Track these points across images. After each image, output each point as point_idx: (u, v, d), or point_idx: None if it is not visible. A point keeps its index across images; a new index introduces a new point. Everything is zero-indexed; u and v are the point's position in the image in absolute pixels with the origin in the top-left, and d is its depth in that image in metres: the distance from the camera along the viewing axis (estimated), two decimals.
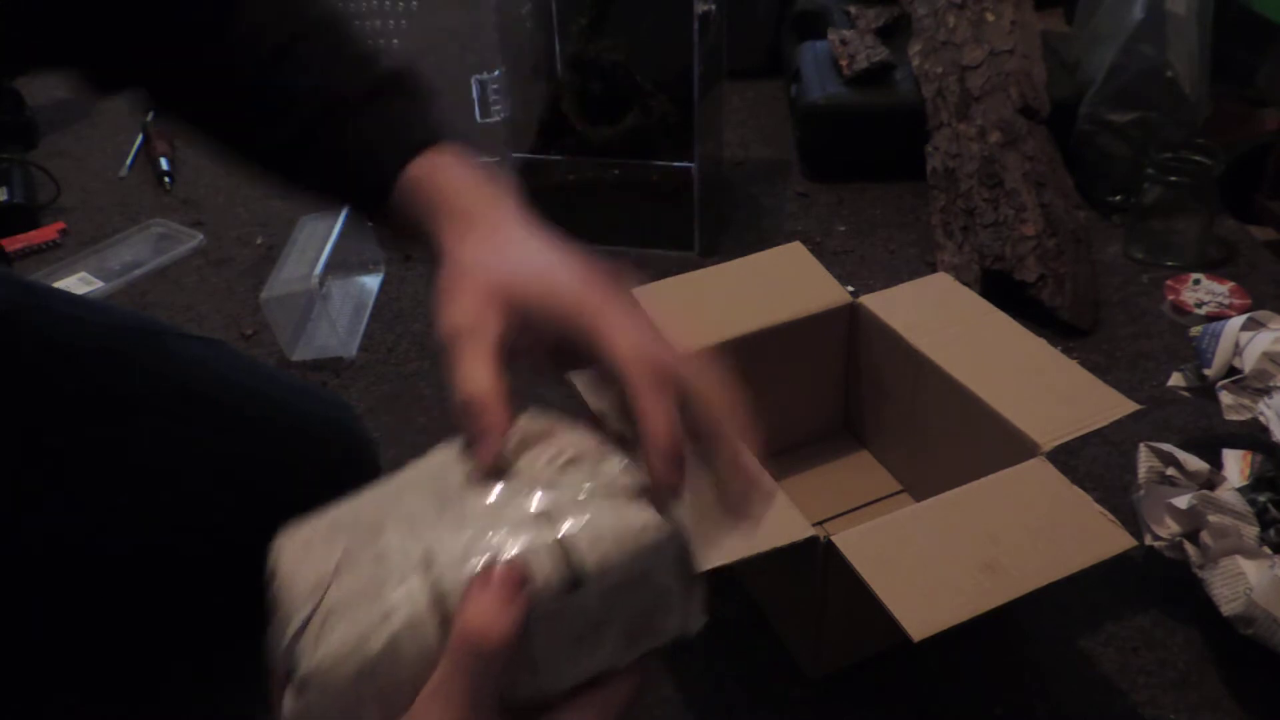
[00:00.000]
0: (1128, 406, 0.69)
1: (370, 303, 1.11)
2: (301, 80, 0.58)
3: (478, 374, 0.46)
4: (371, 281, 1.14)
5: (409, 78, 0.58)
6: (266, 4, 0.60)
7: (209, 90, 0.59)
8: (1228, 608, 0.65)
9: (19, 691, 0.69)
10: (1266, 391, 0.76)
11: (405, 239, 0.56)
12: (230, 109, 0.59)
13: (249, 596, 0.74)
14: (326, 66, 0.59)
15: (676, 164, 1.14)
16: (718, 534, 0.52)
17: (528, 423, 0.46)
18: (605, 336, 0.45)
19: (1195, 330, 0.84)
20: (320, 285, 1.00)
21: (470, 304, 0.47)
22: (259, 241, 1.23)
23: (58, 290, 0.75)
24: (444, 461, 0.45)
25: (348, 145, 0.57)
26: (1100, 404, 0.70)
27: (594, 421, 0.46)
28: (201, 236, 1.23)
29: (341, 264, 1.12)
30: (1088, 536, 0.60)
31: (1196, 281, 1.07)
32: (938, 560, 0.58)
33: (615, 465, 0.43)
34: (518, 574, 0.38)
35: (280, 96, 0.58)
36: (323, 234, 1.06)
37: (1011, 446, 0.68)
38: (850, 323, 0.82)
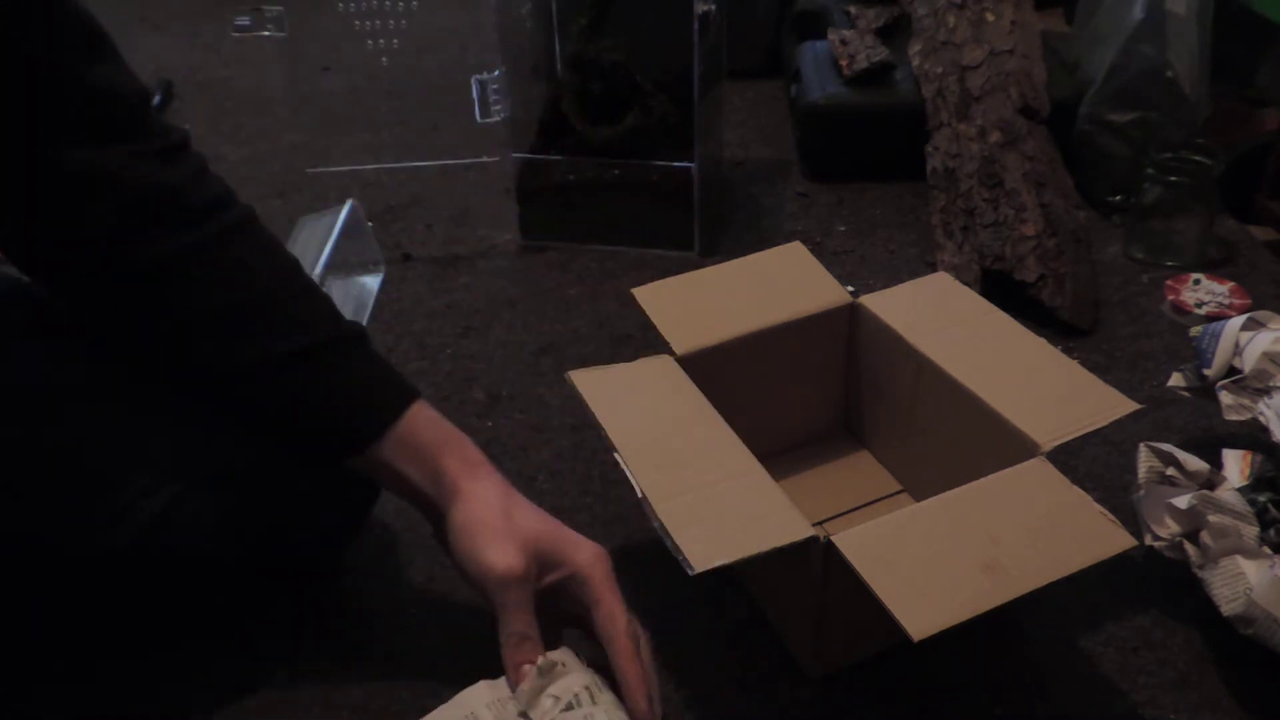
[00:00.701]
0: (1128, 406, 0.69)
1: (370, 303, 1.11)
2: (285, 328, 0.64)
3: (526, 618, 0.61)
4: (371, 281, 1.14)
5: (364, 338, 0.67)
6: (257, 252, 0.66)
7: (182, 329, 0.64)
8: (1228, 608, 0.65)
9: (16, 687, 0.69)
10: (1266, 391, 0.76)
11: (381, 481, 0.67)
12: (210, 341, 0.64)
13: (248, 592, 0.75)
14: (305, 316, 0.65)
15: (676, 164, 1.14)
16: (718, 533, 0.58)
17: (544, 665, 0.60)
18: (602, 601, 0.60)
19: (1195, 330, 0.84)
20: (320, 285, 0.99)
21: (514, 550, 0.60)
22: None
23: None
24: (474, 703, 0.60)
25: (340, 389, 0.64)
26: (1100, 404, 0.70)
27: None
28: None
29: (341, 264, 1.12)
30: (1088, 536, 0.60)
31: (1196, 281, 1.07)
32: (938, 560, 0.58)
33: (603, 712, 0.58)
34: None
35: (273, 336, 0.64)
36: (323, 234, 1.06)
37: (1011, 446, 0.68)
38: (850, 323, 0.82)
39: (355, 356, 0.66)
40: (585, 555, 0.61)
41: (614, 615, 0.60)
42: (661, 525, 0.61)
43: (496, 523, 0.61)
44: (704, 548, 0.59)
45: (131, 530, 0.64)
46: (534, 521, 0.62)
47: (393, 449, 0.64)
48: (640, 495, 0.63)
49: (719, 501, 0.63)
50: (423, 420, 0.65)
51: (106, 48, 0.62)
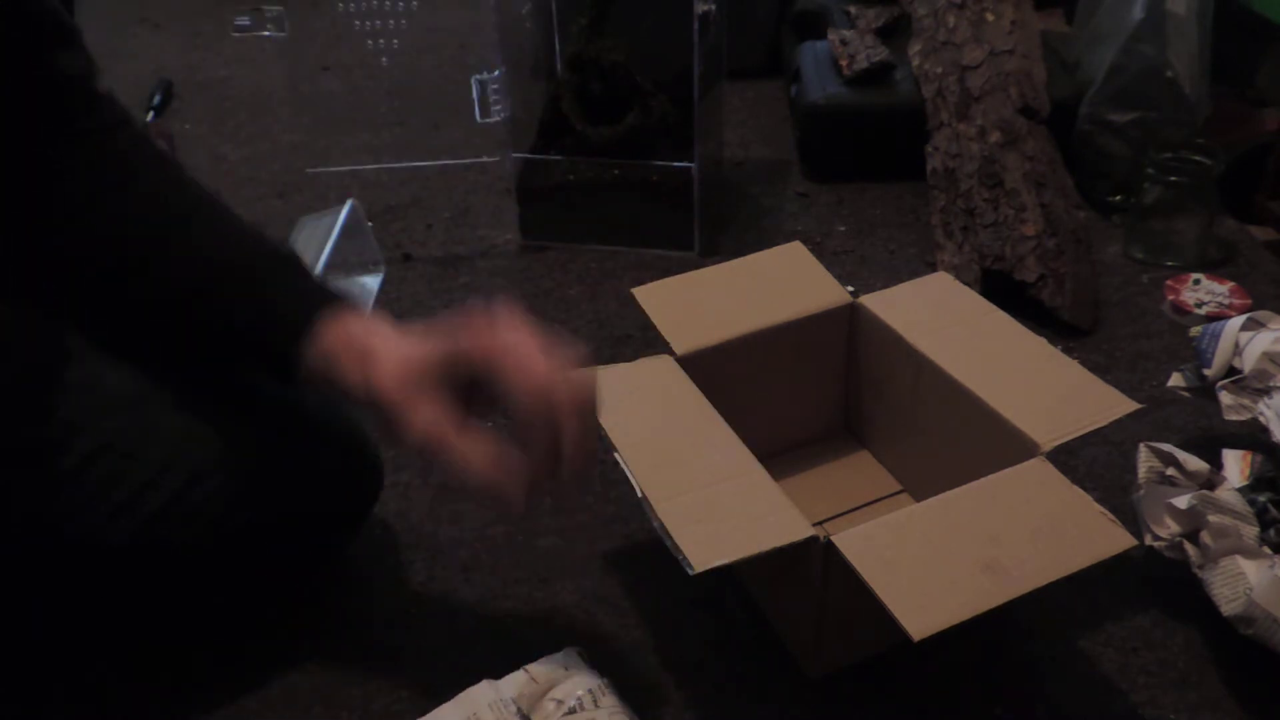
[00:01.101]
0: (1128, 406, 0.69)
1: (370, 303, 1.11)
2: (205, 250, 0.64)
3: (428, 414, 0.57)
4: (371, 281, 1.14)
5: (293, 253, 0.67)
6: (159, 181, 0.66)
7: (102, 266, 0.63)
8: (1228, 608, 0.65)
9: (17, 686, 0.69)
10: (1266, 391, 0.76)
11: (318, 382, 0.63)
12: (126, 278, 0.63)
13: (247, 588, 0.75)
14: (232, 237, 0.65)
15: (676, 164, 1.14)
16: (719, 534, 0.58)
17: (546, 667, 0.61)
18: (506, 376, 0.56)
19: (1195, 330, 0.84)
20: None
21: (394, 372, 0.58)
22: None
23: None
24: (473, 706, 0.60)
25: (267, 303, 0.63)
26: (1100, 403, 0.70)
27: None
28: None
29: (341, 264, 1.12)
30: (1088, 536, 0.60)
31: (1196, 281, 1.07)
32: (938, 560, 0.58)
33: (605, 715, 0.59)
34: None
35: (192, 260, 0.63)
36: (323, 234, 1.06)
37: (1011, 446, 0.68)
38: (850, 322, 0.82)
39: (278, 275, 0.65)
40: (522, 385, 0.56)
41: (525, 379, 0.56)
42: (661, 525, 0.61)
43: (368, 358, 0.59)
44: (704, 548, 0.59)
45: (131, 526, 0.65)
46: (433, 338, 0.60)
47: (321, 361, 0.61)
48: (640, 495, 0.63)
49: (719, 501, 0.63)
50: (344, 325, 0.62)
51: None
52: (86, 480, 0.64)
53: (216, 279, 0.63)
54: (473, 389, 0.59)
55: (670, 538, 0.60)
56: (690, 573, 0.58)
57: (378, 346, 0.60)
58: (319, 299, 0.63)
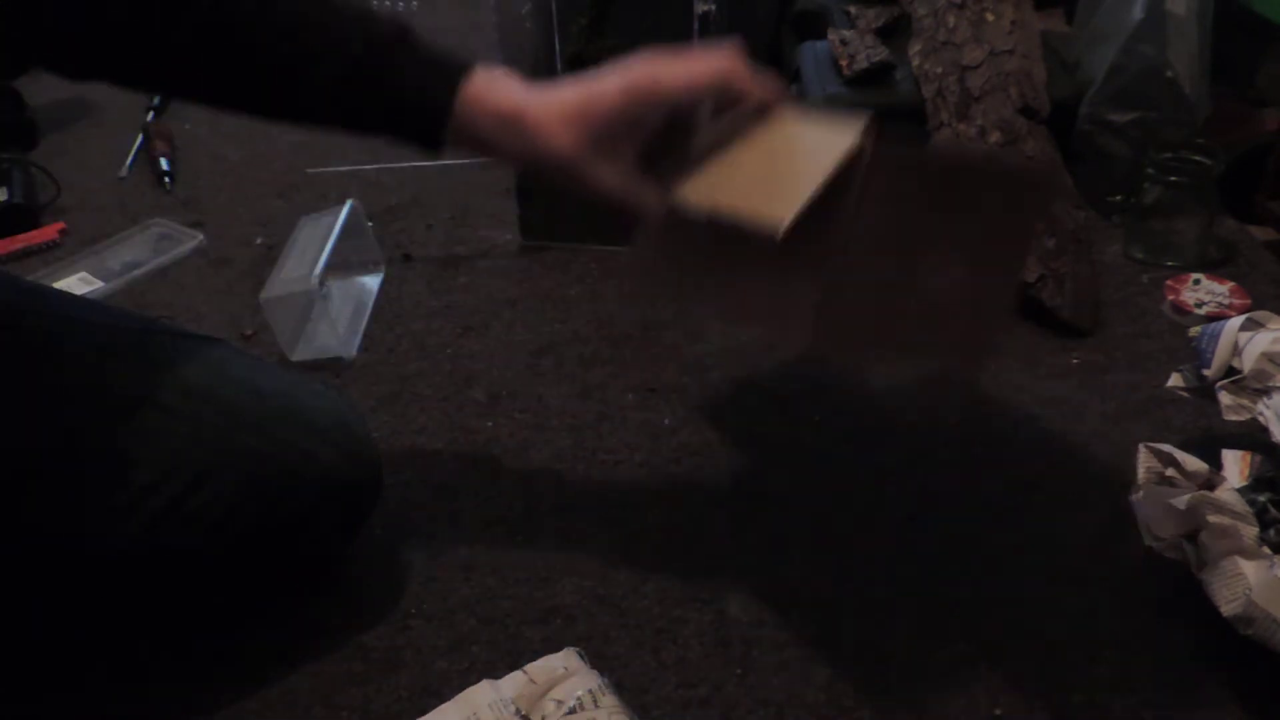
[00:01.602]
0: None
1: (370, 303, 1.11)
2: (328, 32, 0.61)
3: (615, 171, 0.60)
4: (371, 281, 1.14)
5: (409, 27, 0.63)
6: None
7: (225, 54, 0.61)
8: (1227, 608, 0.65)
9: (16, 687, 0.70)
10: (1266, 392, 0.76)
11: (468, 149, 0.63)
12: (254, 68, 0.61)
13: (248, 592, 0.75)
14: (346, 19, 0.62)
15: None
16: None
17: (546, 667, 0.61)
18: (675, 86, 0.59)
19: (1195, 330, 0.84)
20: (320, 285, 1.00)
21: (563, 131, 0.59)
22: (259, 241, 1.23)
23: (56, 291, 0.75)
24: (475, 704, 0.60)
25: (395, 82, 0.61)
26: None
27: None
28: (201, 236, 1.23)
29: (341, 264, 1.12)
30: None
31: (1196, 281, 1.07)
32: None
33: (605, 714, 0.58)
34: None
35: (313, 45, 0.61)
36: (323, 234, 1.06)
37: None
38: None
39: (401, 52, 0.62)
40: (698, 78, 0.61)
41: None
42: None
43: (539, 119, 0.60)
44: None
45: (132, 530, 0.65)
46: (594, 85, 0.60)
47: (465, 135, 0.62)
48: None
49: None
50: (478, 88, 0.61)
51: None
52: (86, 486, 0.64)
53: (325, 54, 0.61)
54: (652, 132, 0.60)
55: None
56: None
57: (530, 106, 0.59)
58: (444, 71, 0.61)
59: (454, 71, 0.61)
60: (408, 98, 0.62)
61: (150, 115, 1.50)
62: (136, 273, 1.17)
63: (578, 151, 0.59)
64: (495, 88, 0.61)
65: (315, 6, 0.62)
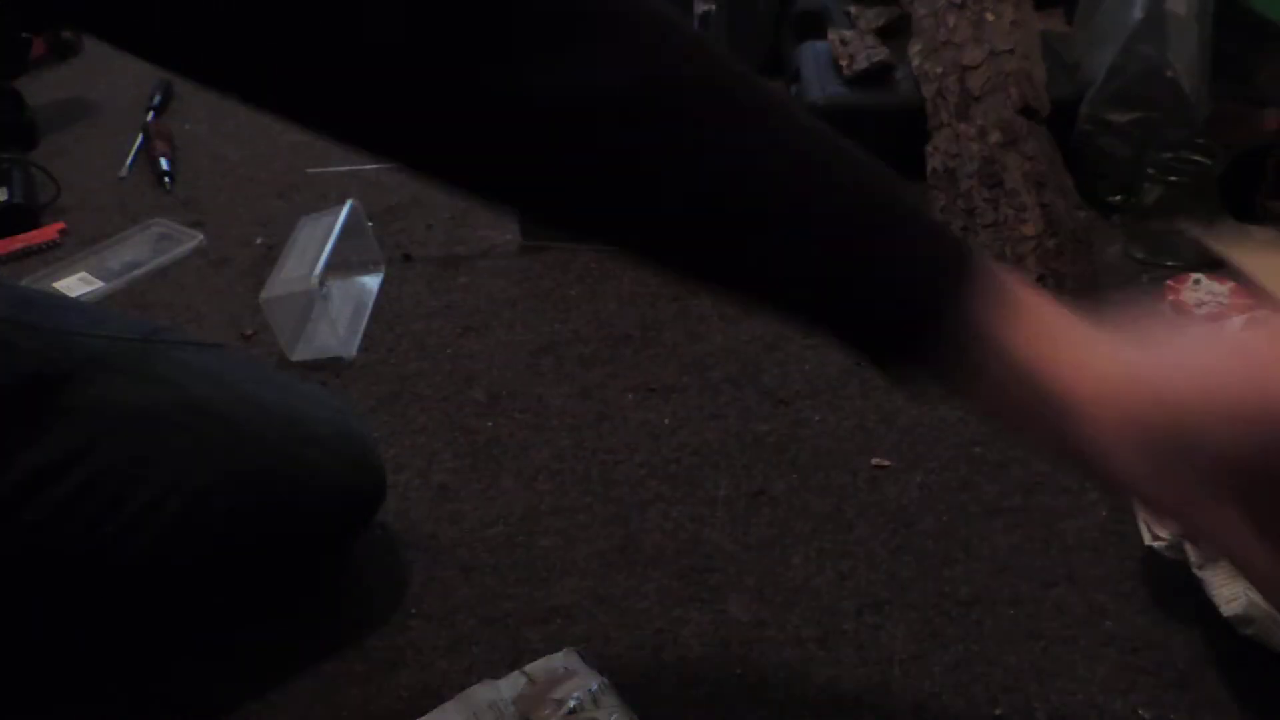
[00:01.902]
0: None
1: (370, 303, 1.11)
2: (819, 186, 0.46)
3: (1225, 530, 0.38)
4: (371, 281, 1.14)
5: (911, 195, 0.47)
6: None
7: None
8: (1227, 608, 0.65)
9: (17, 691, 0.69)
10: None
11: (959, 390, 0.46)
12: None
13: (249, 593, 0.75)
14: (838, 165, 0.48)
15: None
16: None
17: (546, 667, 0.60)
18: None
19: None
20: (320, 285, 1.00)
21: (1145, 464, 0.39)
22: (259, 241, 1.23)
23: (55, 299, 0.75)
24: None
25: (870, 266, 0.44)
26: None
27: None
28: (201, 236, 1.23)
29: (341, 264, 1.12)
30: None
31: (1196, 281, 1.07)
32: None
33: (606, 715, 0.57)
34: None
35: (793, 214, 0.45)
36: (323, 234, 1.06)
37: None
38: None
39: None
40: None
41: None
42: None
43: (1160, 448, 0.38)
44: None
45: (135, 546, 0.64)
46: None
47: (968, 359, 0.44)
48: None
49: None
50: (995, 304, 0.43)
51: None
52: (89, 503, 0.64)
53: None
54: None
55: None
56: None
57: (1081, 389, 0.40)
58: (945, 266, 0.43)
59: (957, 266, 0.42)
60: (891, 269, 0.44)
61: (150, 115, 1.50)
62: (136, 273, 1.17)
63: (1152, 485, 0.39)
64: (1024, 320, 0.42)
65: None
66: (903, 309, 0.43)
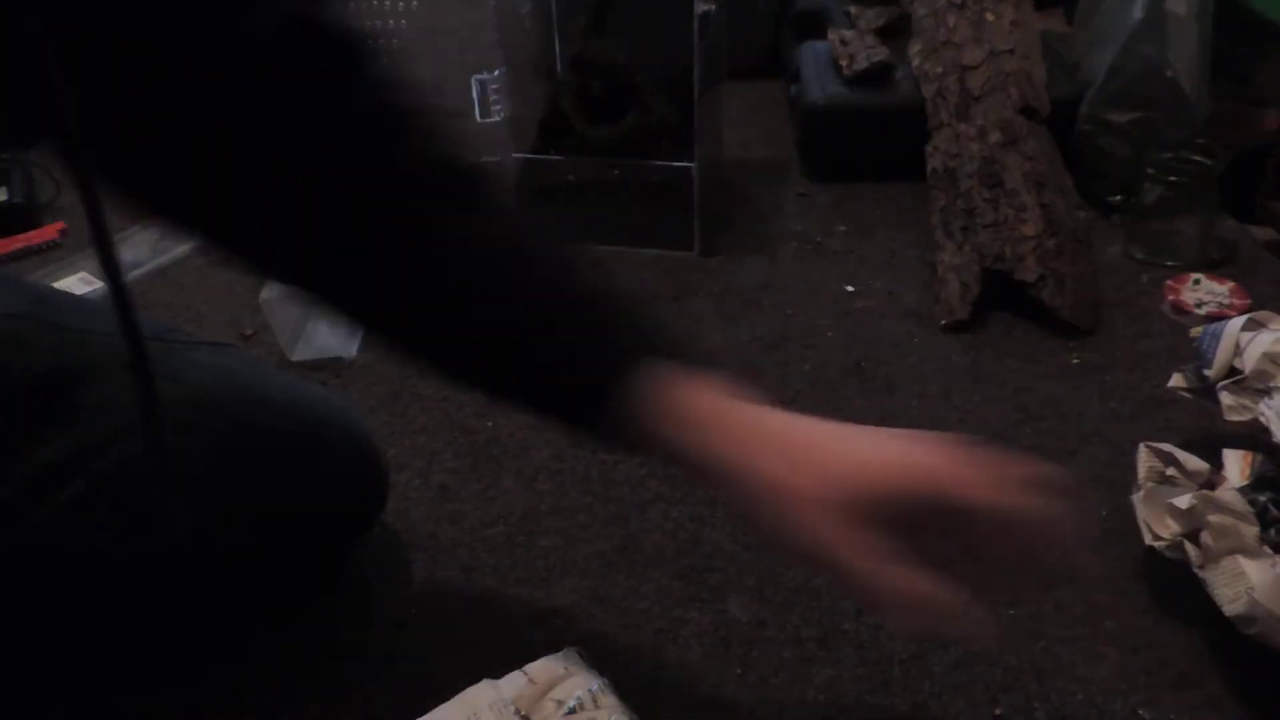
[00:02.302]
0: None
1: None
2: (512, 287, 0.55)
3: (902, 578, 0.49)
4: None
5: (614, 284, 0.56)
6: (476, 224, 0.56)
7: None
8: (1230, 608, 0.64)
9: (16, 690, 0.69)
10: (1267, 392, 0.76)
11: (637, 450, 0.55)
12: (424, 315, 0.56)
13: (250, 593, 0.75)
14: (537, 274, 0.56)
15: (676, 164, 1.14)
16: None
17: (546, 667, 0.60)
18: (964, 501, 0.50)
19: (1195, 331, 0.84)
20: None
21: (835, 531, 0.49)
22: None
23: (61, 297, 0.75)
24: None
25: (564, 349, 0.54)
26: None
27: None
28: None
29: None
30: None
31: (1196, 281, 1.07)
32: None
33: (605, 715, 0.57)
34: None
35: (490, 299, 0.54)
36: None
37: None
38: None
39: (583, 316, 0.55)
40: (919, 473, 0.50)
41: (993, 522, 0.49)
42: None
43: (801, 507, 0.50)
44: None
45: (138, 546, 0.64)
46: (865, 468, 0.50)
47: (640, 427, 0.53)
48: None
49: None
50: (665, 381, 0.53)
51: None
52: (95, 504, 0.64)
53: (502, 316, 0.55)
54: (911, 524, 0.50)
55: None
56: None
57: (765, 461, 0.51)
58: (631, 345, 0.53)
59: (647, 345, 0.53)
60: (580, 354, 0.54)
61: None
62: (137, 273, 1.17)
63: (812, 535, 0.49)
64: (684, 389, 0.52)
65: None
66: (572, 397, 0.54)
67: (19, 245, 1.22)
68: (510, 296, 0.55)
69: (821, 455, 0.51)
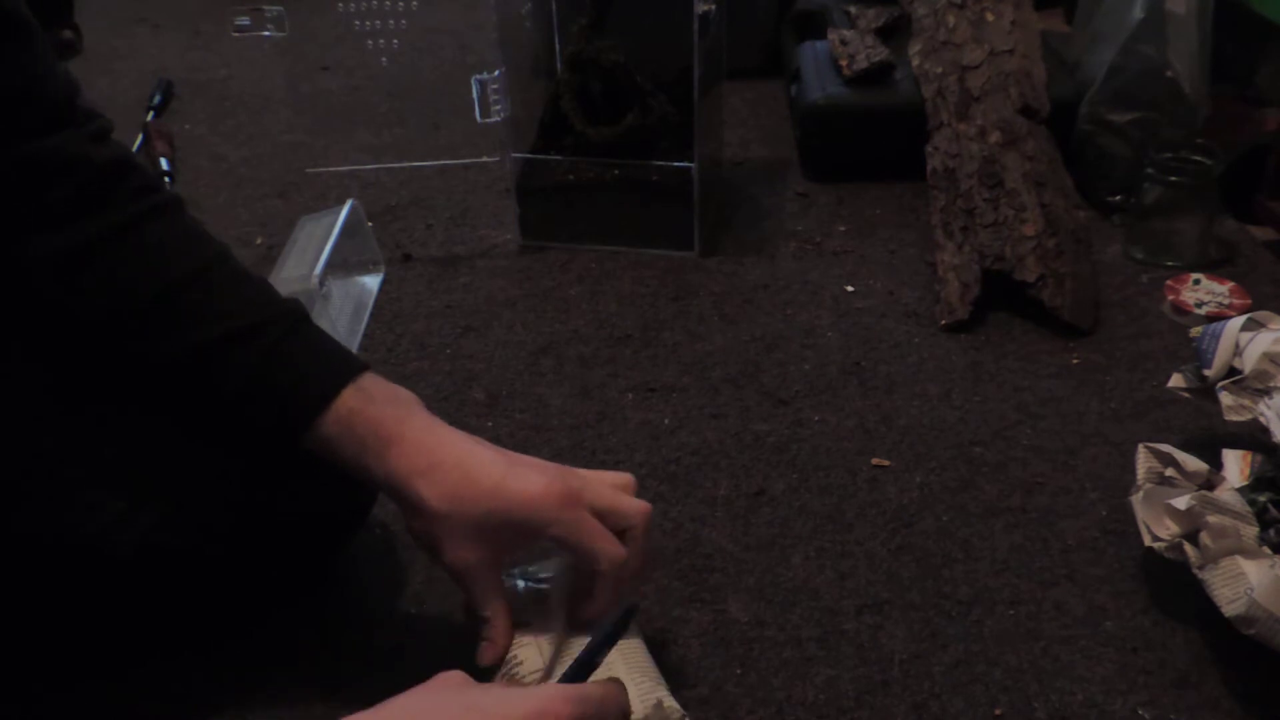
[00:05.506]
0: None
1: (370, 303, 1.11)
2: (207, 309, 0.62)
3: (489, 598, 0.62)
4: (371, 281, 1.14)
5: (302, 313, 0.65)
6: (168, 236, 0.64)
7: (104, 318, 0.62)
8: (1229, 608, 0.64)
9: (16, 689, 0.69)
10: (1267, 392, 0.76)
11: (330, 462, 0.63)
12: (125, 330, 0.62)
13: (247, 594, 0.75)
14: (227, 304, 0.63)
15: (676, 164, 1.14)
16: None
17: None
18: (576, 548, 0.60)
19: (1195, 330, 0.84)
20: (320, 285, 0.99)
21: (462, 548, 0.60)
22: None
23: None
24: None
25: (273, 368, 0.61)
26: None
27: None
28: None
29: (341, 264, 1.12)
30: None
31: (1196, 281, 1.07)
32: None
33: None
34: None
35: (184, 321, 0.62)
36: (323, 234, 1.06)
37: None
38: None
39: (285, 340, 0.63)
40: (598, 558, 0.61)
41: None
42: None
43: (437, 524, 0.62)
44: None
45: (133, 536, 0.64)
46: (498, 503, 0.61)
47: (329, 433, 0.61)
48: None
49: None
50: (358, 401, 0.62)
51: (32, 38, 0.61)
52: (86, 496, 0.64)
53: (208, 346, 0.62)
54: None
55: None
56: None
57: (421, 466, 0.60)
58: (321, 370, 0.62)
59: (339, 372, 0.63)
60: (281, 377, 0.62)
61: (150, 115, 1.50)
62: None
63: (436, 528, 0.61)
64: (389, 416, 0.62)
65: (221, 270, 0.64)
66: (292, 406, 0.62)
67: None
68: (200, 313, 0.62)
69: (461, 480, 0.60)
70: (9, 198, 0.60)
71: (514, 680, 0.60)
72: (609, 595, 0.61)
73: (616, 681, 0.58)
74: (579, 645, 0.60)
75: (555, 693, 0.52)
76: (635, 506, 0.62)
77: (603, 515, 0.61)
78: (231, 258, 0.67)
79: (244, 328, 0.62)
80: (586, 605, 0.62)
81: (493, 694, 0.54)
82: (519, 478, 0.60)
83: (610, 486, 0.63)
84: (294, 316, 0.65)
